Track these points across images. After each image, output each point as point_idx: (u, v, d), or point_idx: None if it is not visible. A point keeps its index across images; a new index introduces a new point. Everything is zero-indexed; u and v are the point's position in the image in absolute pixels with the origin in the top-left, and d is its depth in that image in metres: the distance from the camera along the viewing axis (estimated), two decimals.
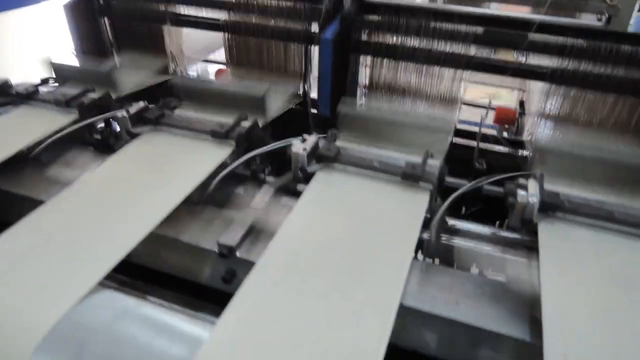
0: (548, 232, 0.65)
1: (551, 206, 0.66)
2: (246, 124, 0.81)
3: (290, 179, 0.78)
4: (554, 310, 0.53)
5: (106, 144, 0.87)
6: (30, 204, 0.77)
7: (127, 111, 0.80)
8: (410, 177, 0.70)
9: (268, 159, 0.84)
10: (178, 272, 0.72)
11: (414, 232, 0.63)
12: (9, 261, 0.56)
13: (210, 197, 0.75)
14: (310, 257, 0.58)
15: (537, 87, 1.07)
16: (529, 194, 0.66)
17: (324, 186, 0.71)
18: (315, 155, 0.74)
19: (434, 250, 0.68)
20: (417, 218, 0.66)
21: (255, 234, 0.69)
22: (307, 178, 0.74)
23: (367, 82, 1.09)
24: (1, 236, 0.60)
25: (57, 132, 0.82)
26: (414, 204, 0.68)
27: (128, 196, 0.67)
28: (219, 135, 0.77)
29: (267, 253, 0.58)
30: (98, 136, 0.90)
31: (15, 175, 0.80)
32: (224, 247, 0.65)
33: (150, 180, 0.71)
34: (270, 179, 0.83)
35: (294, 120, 0.99)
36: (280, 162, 0.82)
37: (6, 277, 0.54)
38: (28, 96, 0.89)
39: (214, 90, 0.90)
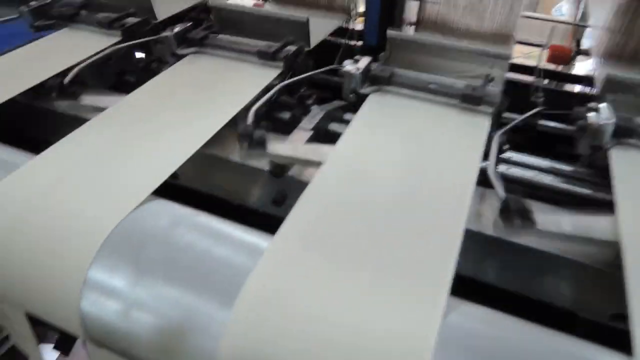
0: (621, 159, 0.60)
1: (626, 131, 0.61)
2: (292, 48, 0.78)
3: (338, 106, 0.75)
4: (633, 235, 0.49)
5: (148, 69, 0.85)
6: (75, 123, 0.77)
7: (172, 30, 0.77)
8: (470, 99, 0.66)
9: (312, 89, 0.81)
10: (226, 195, 0.70)
11: (476, 158, 0.60)
12: (63, 170, 0.55)
13: (259, 120, 0.73)
14: (367, 180, 0.55)
15: (599, 19, 0.99)
16: (602, 116, 0.61)
17: (378, 109, 0.68)
18: (368, 76, 0.70)
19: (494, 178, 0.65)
20: (478, 143, 0.62)
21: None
22: (357, 103, 0.71)
23: (415, 18, 1.03)
24: (52, 148, 0.59)
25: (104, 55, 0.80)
26: (474, 129, 0.64)
27: (176, 115, 0.65)
28: (266, 56, 0.74)
29: (322, 172, 0.56)
30: (140, 63, 0.88)
31: (61, 95, 0.80)
32: (276, 166, 0.63)
33: (197, 100, 0.69)
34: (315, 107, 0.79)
35: (337, 54, 0.94)
36: (324, 97, 0.79)
37: (61, 185, 0.53)
38: (70, 18, 0.87)
39: (254, 16, 0.85)
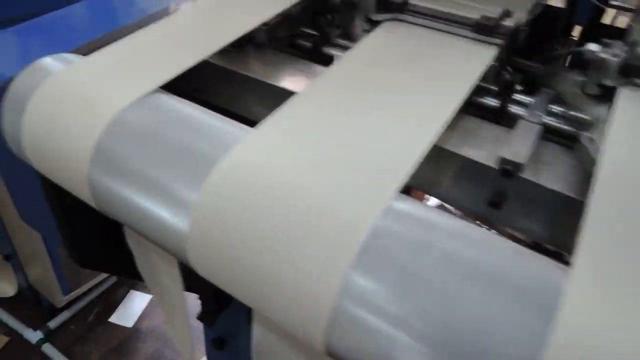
0: None
1: None
2: (510, 21, 0.66)
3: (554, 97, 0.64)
4: None
5: (324, 34, 0.77)
6: (257, 87, 0.70)
7: None
8: None
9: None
10: (428, 189, 0.62)
11: None
12: (291, 150, 0.47)
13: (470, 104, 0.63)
14: None
15: None
16: None
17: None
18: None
19: None
20: None
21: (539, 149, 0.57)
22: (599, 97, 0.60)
23: None
24: (269, 121, 0.51)
25: (282, 13, 0.73)
26: None
27: (396, 95, 0.55)
28: (485, 29, 0.63)
29: (603, 180, 0.45)
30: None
31: (239, 56, 0.73)
32: (510, 164, 0.53)
33: (410, 80, 0.58)
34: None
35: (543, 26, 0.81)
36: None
37: (296, 168, 0.45)
38: None
39: None
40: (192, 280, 0.74)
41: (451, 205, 0.62)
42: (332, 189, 0.43)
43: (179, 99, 0.56)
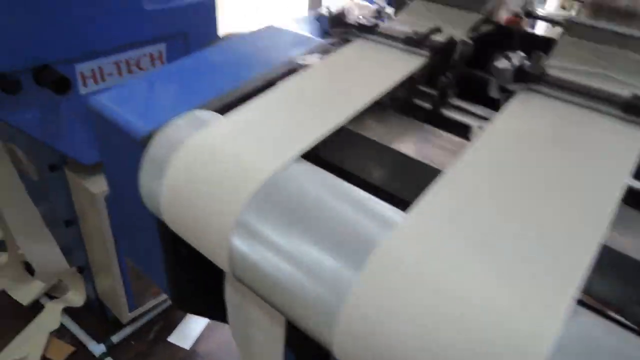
0: None
1: None
2: None
3: None
4: None
5: (444, 98, 0.75)
6: (377, 149, 0.69)
7: (507, 59, 0.65)
8: None
9: None
10: None
11: None
12: (453, 246, 0.44)
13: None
14: None
15: None
16: None
17: None
18: None
19: None
20: None
21: None
22: None
23: None
24: (422, 205, 0.49)
25: (407, 77, 0.72)
26: None
27: (546, 185, 0.52)
28: (637, 111, 0.60)
29: None
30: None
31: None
32: None
33: (562, 166, 0.54)
34: None
35: None
36: None
37: (457, 268, 0.43)
38: (369, 29, 0.79)
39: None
40: (295, 338, 0.73)
41: (591, 296, 0.58)
42: (504, 295, 0.40)
43: (320, 169, 0.55)
